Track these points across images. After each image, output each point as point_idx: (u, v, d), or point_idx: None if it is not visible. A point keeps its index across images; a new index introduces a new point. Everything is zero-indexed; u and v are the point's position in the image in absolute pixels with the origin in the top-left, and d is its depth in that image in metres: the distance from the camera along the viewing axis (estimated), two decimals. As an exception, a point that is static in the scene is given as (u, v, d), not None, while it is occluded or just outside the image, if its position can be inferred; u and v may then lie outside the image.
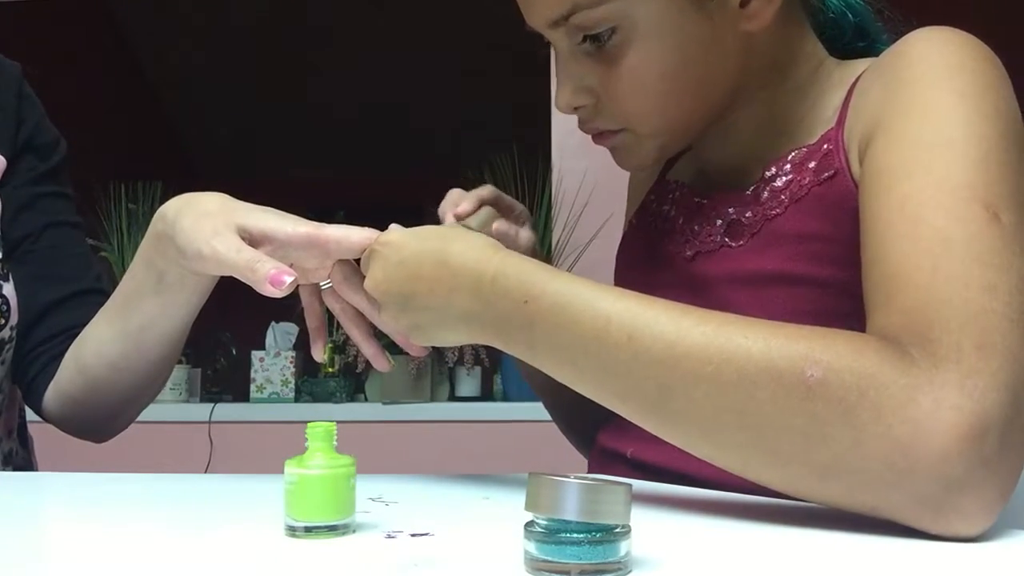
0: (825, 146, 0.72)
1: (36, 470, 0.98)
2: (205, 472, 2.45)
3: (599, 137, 0.77)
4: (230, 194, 0.75)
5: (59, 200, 0.95)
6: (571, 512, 0.39)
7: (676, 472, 0.70)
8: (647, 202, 0.90)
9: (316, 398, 2.71)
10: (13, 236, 0.91)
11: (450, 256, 0.64)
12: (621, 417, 0.66)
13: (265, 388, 2.76)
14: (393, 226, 0.70)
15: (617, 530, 0.40)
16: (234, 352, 3.01)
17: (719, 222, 0.77)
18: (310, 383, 2.76)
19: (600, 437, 0.84)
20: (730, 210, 0.76)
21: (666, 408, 0.54)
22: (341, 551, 0.46)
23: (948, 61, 0.63)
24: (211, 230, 0.70)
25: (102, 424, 0.90)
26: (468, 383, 2.64)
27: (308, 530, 0.48)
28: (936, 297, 0.52)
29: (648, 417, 0.56)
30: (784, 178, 0.74)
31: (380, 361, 0.76)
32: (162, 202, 0.76)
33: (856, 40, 0.81)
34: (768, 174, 0.75)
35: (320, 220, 0.82)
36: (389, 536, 0.49)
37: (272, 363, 2.76)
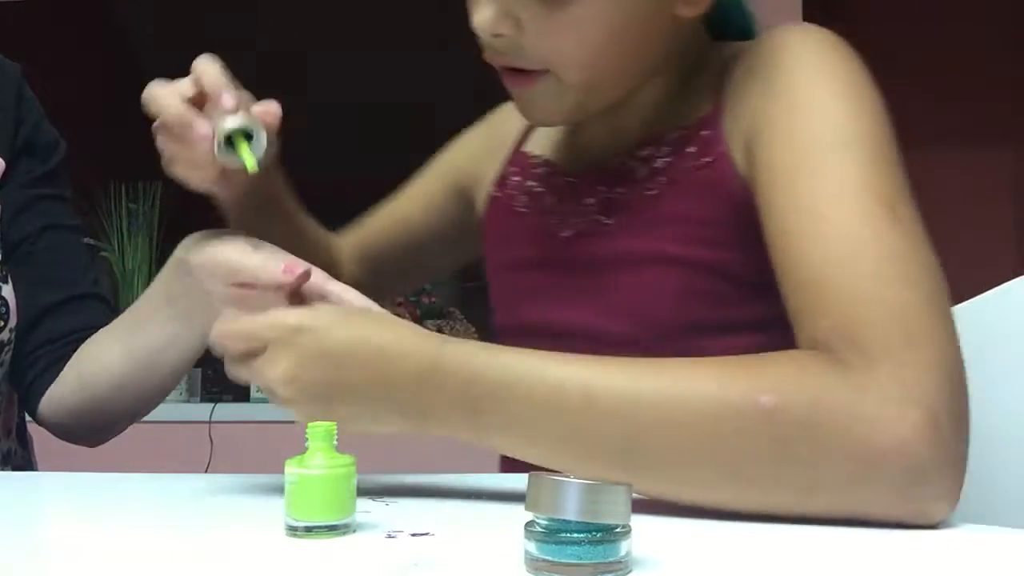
0: (704, 132, 0.74)
1: (36, 470, 0.98)
2: (205, 472, 2.45)
3: (520, 77, 0.73)
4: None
5: (57, 202, 0.95)
6: (571, 512, 0.39)
7: None
8: (508, 175, 0.89)
9: (316, 398, 2.70)
10: (12, 238, 0.90)
11: (383, 344, 0.59)
12: None
13: (265, 388, 2.75)
14: (299, 311, 0.61)
15: (617, 530, 0.40)
16: (235, 352, 3.00)
17: (591, 200, 0.78)
18: (310, 383, 2.75)
19: None
20: (601, 188, 0.78)
21: (634, 461, 0.54)
22: (341, 551, 0.46)
23: (823, 61, 0.67)
24: (223, 241, 0.70)
25: (97, 433, 0.89)
26: (468, 383, 2.64)
27: (308, 530, 0.48)
28: (857, 298, 0.55)
29: (615, 473, 0.55)
30: (663, 159, 0.75)
31: None
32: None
33: (742, 38, 0.82)
34: (643, 153, 0.76)
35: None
36: (389, 536, 0.49)
37: (272, 363, 2.76)
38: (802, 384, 0.52)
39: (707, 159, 0.72)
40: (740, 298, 0.71)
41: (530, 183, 0.85)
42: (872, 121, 0.64)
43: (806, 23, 0.73)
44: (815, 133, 0.63)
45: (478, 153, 0.96)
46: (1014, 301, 0.76)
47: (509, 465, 0.83)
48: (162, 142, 0.70)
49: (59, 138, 0.98)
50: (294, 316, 0.60)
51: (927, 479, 0.50)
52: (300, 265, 0.66)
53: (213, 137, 0.67)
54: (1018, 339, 0.75)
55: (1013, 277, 0.77)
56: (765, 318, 0.65)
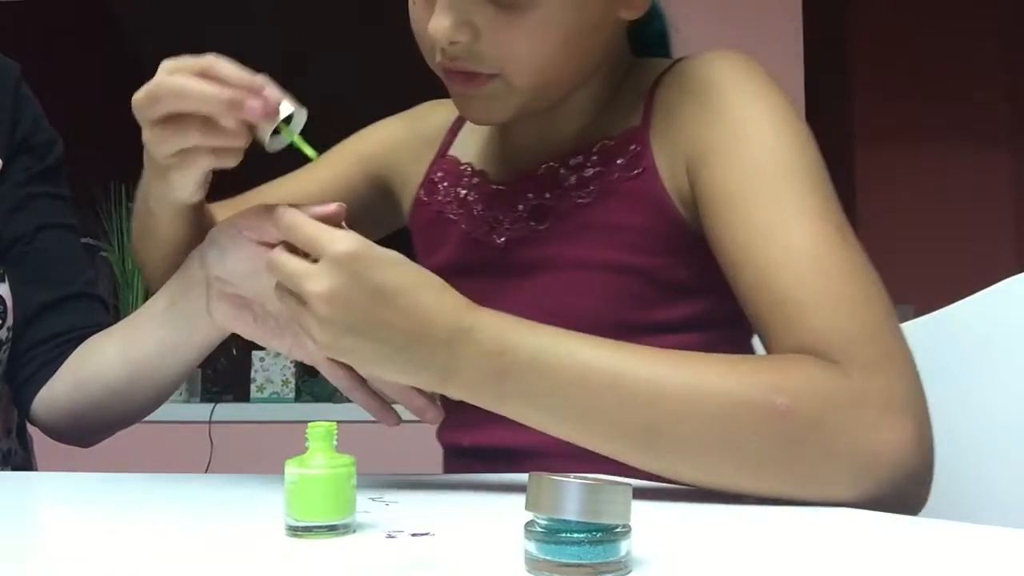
0: (632, 145, 0.77)
1: (36, 470, 0.98)
2: (205, 472, 2.45)
3: (470, 80, 0.74)
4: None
5: (54, 201, 0.94)
6: (571, 512, 0.39)
7: (513, 448, 0.76)
8: (436, 180, 0.90)
9: (316, 398, 2.71)
10: (7, 237, 0.90)
11: (426, 297, 0.61)
12: (454, 412, 0.73)
13: (265, 388, 2.76)
14: (360, 238, 0.61)
15: (617, 530, 0.40)
16: (234, 352, 3.01)
17: (520, 207, 0.81)
18: (310, 383, 2.76)
19: (442, 435, 0.88)
20: (530, 195, 0.80)
21: (656, 446, 0.59)
22: (341, 551, 0.46)
23: (759, 90, 0.72)
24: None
25: (90, 435, 0.88)
26: (468, 383, 2.64)
27: (308, 530, 0.48)
28: (833, 316, 0.60)
29: (636, 454, 0.59)
30: (591, 169, 0.78)
31: (388, 416, 0.70)
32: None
33: (657, 46, 0.87)
34: (573, 162, 0.79)
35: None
36: (389, 536, 0.49)
37: (272, 363, 2.77)
38: (811, 388, 0.57)
39: (635, 171, 0.76)
40: (666, 301, 0.76)
41: (461, 190, 0.87)
42: (809, 146, 0.69)
43: (730, 50, 0.77)
44: (764, 160, 0.68)
45: (398, 146, 0.96)
46: (1012, 299, 0.76)
47: (452, 466, 0.87)
48: (181, 137, 0.64)
49: (57, 137, 0.97)
50: (355, 242, 0.60)
51: (913, 479, 0.56)
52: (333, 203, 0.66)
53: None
54: (1016, 337, 0.75)
55: (1011, 275, 0.77)
56: (690, 319, 0.70)
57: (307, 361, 0.73)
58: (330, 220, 0.64)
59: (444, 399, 0.71)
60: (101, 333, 0.85)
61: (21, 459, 0.95)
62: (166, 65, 0.65)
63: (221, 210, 0.87)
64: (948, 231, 3.60)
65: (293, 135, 0.66)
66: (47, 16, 3.73)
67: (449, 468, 0.87)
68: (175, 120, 0.64)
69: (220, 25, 4.57)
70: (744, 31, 2.70)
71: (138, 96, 0.65)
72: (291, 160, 0.71)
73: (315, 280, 0.60)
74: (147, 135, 0.66)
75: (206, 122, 0.64)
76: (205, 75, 0.63)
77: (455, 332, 0.61)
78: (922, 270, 3.54)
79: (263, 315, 0.72)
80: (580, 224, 0.77)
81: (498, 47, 0.71)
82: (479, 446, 0.81)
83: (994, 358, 0.77)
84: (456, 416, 0.81)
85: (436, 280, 0.63)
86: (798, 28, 2.71)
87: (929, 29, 3.66)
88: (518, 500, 0.42)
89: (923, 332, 0.86)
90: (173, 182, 0.70)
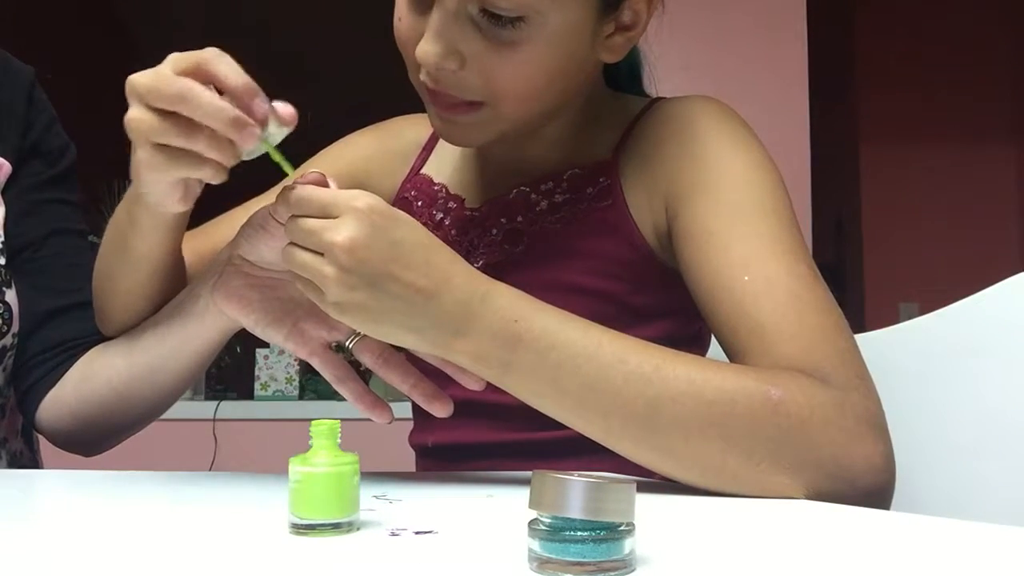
0: (602, 178, 0.81)
1: (42, 468, 0.98)
2: (209, 470, 2.46)
3: (456, 107, 0.75)
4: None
5: (64, 207, 0.93)
6: (575, 510, 0.39)
7: (476, 444, 0.81)
8: (408, 198, 0.92)
9: (320, 396, 2.71)
10: (16, 242, 0.89)
11: (440, 261, 0.62)
12: (419, 415, 0.80)
13: (269, 386, 2.76)
14: (377, 196, 0.62)
15: (621, 528, 0.40)
16: (238, 349, 3.01)
17: (494, 231, 0.83)
18: (314, 381, 2.76)
19: (411, 437, 0.90)
20: (502, 220, 0.83)
21: (654, 421, 0.60)
22: (345, 549, 0.46)
23: (735, 134, 0.77)
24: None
25: (93, 444, 0.88)
26: (472, 381, 2.64)
27: (312, 528, 0.48)
28: (808, 343, 0.64)
29: (630, 431, 0.61)
30: (562, 196, 0.81)
31: (382, 411, 0.71)
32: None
33: (630, 81, 0.91)
34: (544, 188, 0.82)
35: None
36: (393, 534, 0.49)
37: (276, 361, 2.77)
38: (801, 388, 0.60)
39: (606, 203, 0.80)
40: (632, 323, 0.77)
41: (436, 213, 0.89)
42: (782, 191, 0.74)
43: (707, 96, 0.81)
44: (743, 200, 0.72)
45: (370, 161, 0.96)
46: (1012, 299, 0.76)
47: (422, 465, 0.89)
48: (187, 137, 0.61)
49: (69, 142, 0.96)
50: (373, 198, 0.62)
51: (881, 490, 0.60)
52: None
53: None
54: (1016, 336, 0.75)
55: (1015, 273, 0.77)
56: (654, 340, 0.70)
57: (301, 353, 0.72)
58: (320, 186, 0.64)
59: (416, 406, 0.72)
60: (108, 343, 0.84)
61: (28, 459, 0.95)
62: (173, 58, 0.63)
63: (186, 241, 0.83)
64: (953, 229, 3.60)
65: (272, 148, 0.64)
66: (51, 14, 3.73)
67: (420, 467, 0.90)
68: (180, 119, 0.61)
69: (225, 25, 4.58)
70: (749, 30, 2.70)
71: (143, 80, 0.61)
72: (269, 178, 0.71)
73: (337, 230, 0.60)
74: (141, 115, 0.62)
75: (212, 133, 0.61)
76: (202, 71, 0.61)
77: (471, 294, 0.62)
78: (927, 268, 3.54)
79: (269, 299, 0.71)
80: (552, 249, 0.80)
81: (482, 78, 0.73)
82: (441, 444, 0.84)
83: (995, 357, 0.77)
84: (422, 418, 0.86)
85: (448, 247, 0.64)
86: (802, 27, 2.71)
87: (933, 27, 3.65)
88: (522, 498, 0.42)
89: (925, 330, 0.86)
90: (148, 184, 0.67)
